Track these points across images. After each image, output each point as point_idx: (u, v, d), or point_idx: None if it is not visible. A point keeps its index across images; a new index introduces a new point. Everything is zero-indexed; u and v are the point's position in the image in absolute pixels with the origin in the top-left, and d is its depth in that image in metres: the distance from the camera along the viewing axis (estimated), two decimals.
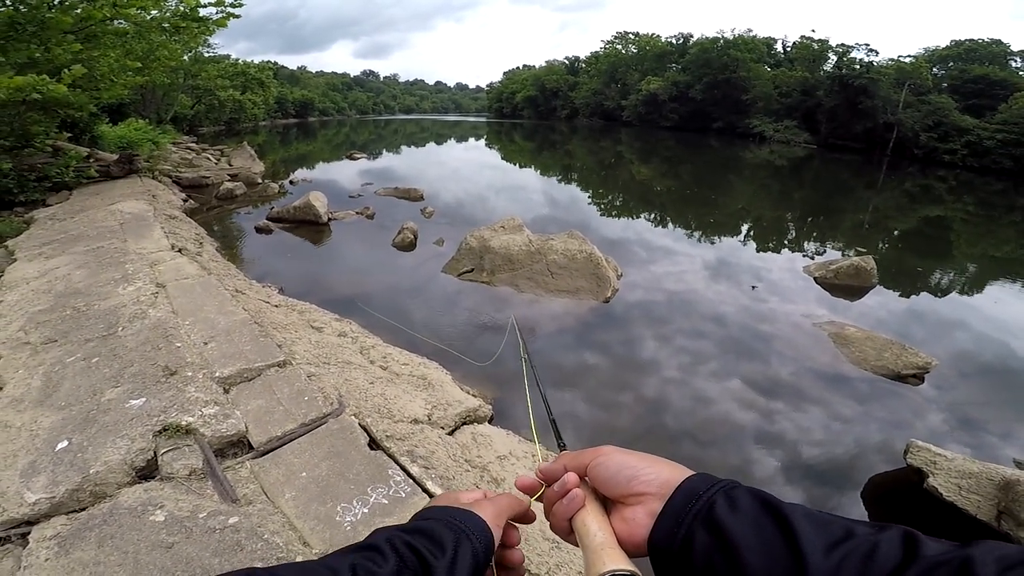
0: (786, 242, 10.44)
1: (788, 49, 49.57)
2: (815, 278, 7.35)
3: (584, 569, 0.49)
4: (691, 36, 53.56)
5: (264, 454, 2.25)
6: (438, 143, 35.34)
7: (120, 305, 3.62)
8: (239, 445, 2.32)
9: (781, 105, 42.74)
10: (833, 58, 42.12)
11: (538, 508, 0.61)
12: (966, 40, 40.93)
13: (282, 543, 1.78)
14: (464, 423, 3.06)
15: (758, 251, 9.43)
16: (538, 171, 21.25)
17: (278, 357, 2.98)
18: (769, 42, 50.05)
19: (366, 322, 4.90)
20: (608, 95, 58.73)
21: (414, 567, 0.45)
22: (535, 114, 72.75)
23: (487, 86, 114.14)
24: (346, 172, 17.47)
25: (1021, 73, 37.45)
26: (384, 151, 27.85)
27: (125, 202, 7.50)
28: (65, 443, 2.18)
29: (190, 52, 19.78)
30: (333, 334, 4.16)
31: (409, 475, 2.18)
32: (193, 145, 20.23)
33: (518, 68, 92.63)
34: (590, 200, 14.38)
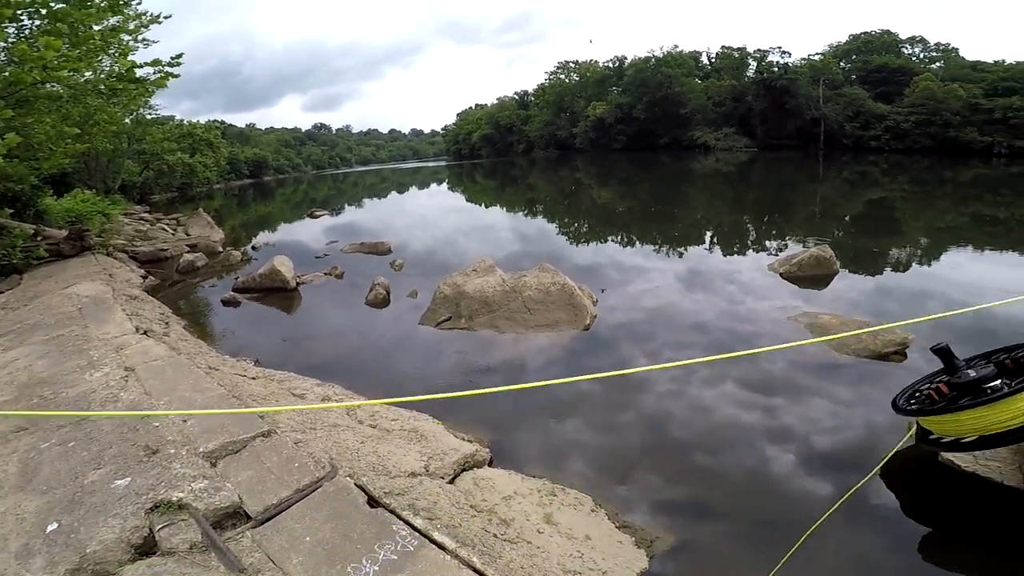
0: (749, 243, 10.84)
1: (713, 60, 52.65)
2: (780, 273, 7.61)
3: None
4: (625, 58, 56.10)
5: (263, 522, 2.18)
6: (400, 192, 35.59)
7: (89, 391, 3.50)
8: (236, 516, 2.25)
9: (717, 114, 45.19)
10: (753, 64, 45.37)
11: None
12: (861, 33, 44.80)
13: None
14: (464, 470, 3.02)
15: (724, 255, 9.75)
16: (503, 208, 21.62)
17: (262, 427, 2.91)
18: (695, 55, 53.01)
19: (350, 383, 4.80)
20: (559, 124, 60.35)
21: None
22: (493, 152, 73.35)
23: (442, 129, 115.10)
24: (309, 231, 17.30)
25: (914, 59, 40.95)
26: (346, 205, 27.85)
27: (81, 284, 7.20)
28: (55, 525, 2.13)
29: (131, 115, 19.08)
30: (316, 399, 4.09)
31: (414, 528, 2.14)
32: (146, 215, 19.54)
33: (471, 108, 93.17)
34: (558, 230, 14.62)
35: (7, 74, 6.80)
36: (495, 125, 72.83)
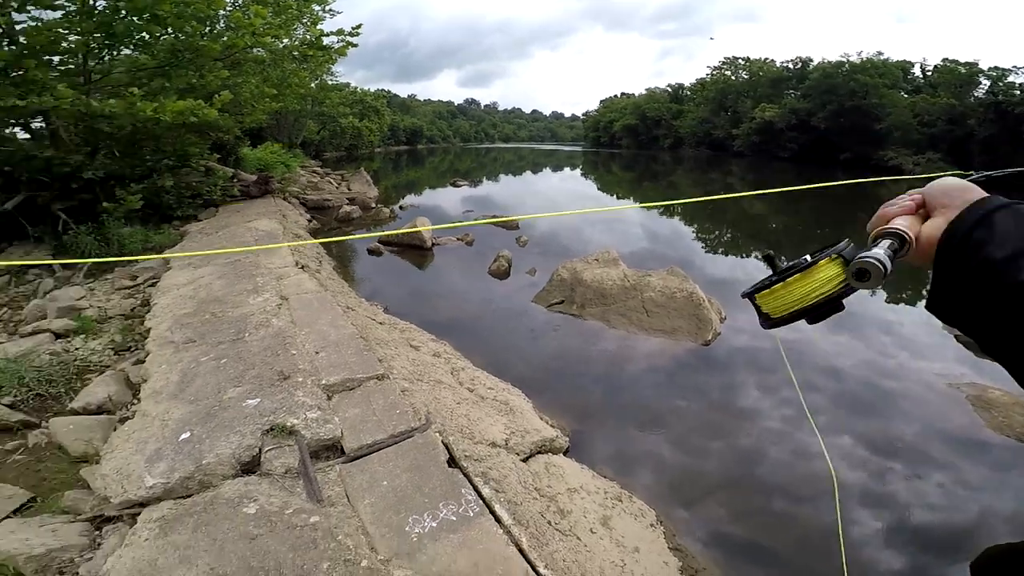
0: (924, 292, 9.19)
1: (928, 73, 44.17)
2: (956, 335, 6.36)
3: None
4: (810, 60, 49.42)
5: (353, 460, 2.39)
6: (534, 172, 36.02)
7: (249, 313, 4.09)
8: (332, 449, 2.49)
9: (922, 135, 37.98)
10: (986, 83, 36.92)
11: None
12: None
13: (352, 546, 1.87)
14: (539, 452, 3.05)
15: (887, 301, 8.41)
16: (638, 203, 20.83)
17: (378, 370, 3.18)
18: (905, 66, 44.68)
19: (459, 344, 5.07)
20: (716, 123, 55.94)
21: None
22: (635, 143, 70.82)
23: (583, 115, 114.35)
24: (450, 198, 18.42)
25: None
26: (485, 179, 28.91)
27: (260, 220, 8.42)
28: (187, 434, 2.49)
29: (317, 79, 21.11)
30: (428, 353, 4.36)
31: (480, 495, 2.21)
32: (318, 169, 21.84)
33: (616, 96, 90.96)
34: (695, 235, 13.79)
35: (225, 39, 7.70)
36: (641, 116, 69.82)
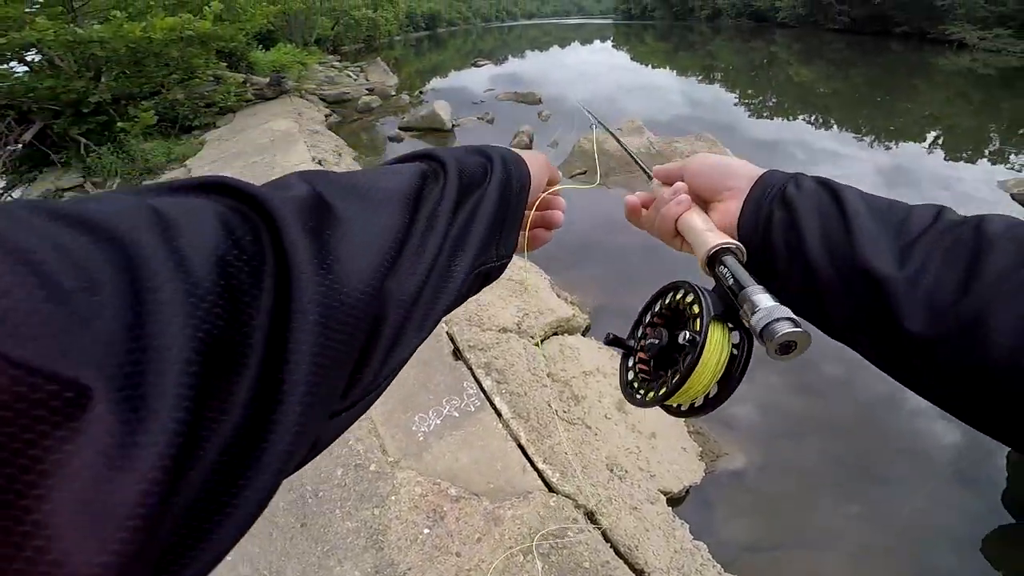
0: (985, 151, 8.37)
1: None
2: (1013, 194, 5.88)
3: (697, 256, 0.53)
4: None
5: None
6: (562, 46, 33.69)
7: None
8: None
9: (989, 13, 32.51)
10: None
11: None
12: None
13: (363, 449, 1.90)
14: (555, 333, 2.92)
15: (946, 159, 7.73)
16: (674, 71, 19.10)
17: None
18: None
19: None
20: None
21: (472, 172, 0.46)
22: (669, 14, 63.59)
23: None
24: (473, 78, 17.39)
25: None
26: (509, 56, 27.20)
27: (275, 121, 8.39)
28: None
29: None
30: None
31: (482, 388, 2.15)
32: (336, 64, 21.30)
33: None
34: (736, 101, 12.73)
35: None
36: None
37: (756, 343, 0.45)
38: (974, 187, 6.31)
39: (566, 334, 2.98)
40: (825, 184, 0.50)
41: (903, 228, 0.43)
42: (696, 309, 0.48)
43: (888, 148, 8.26)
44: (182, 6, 7.51)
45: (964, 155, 8.12)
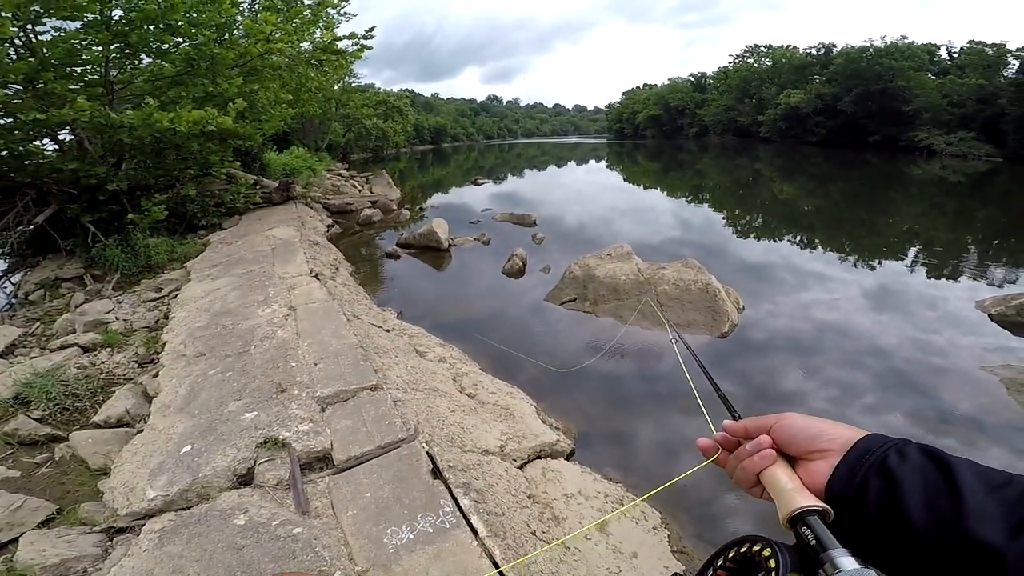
0: (962, 268, 8.72)
1: (954, 56, 42.72)
2: (990, 314, 6.06)
3: (779, 511, 0.55)
4: (834, 46, 48.77)
5: (341, 471, 2.43)
6: (559, 166, 35.84)
7: (257, 325, 4.21)
8: (324, 461, 2.54)
9: (952, 116, 36.21)
10: (1015, 63, 35.51)
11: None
12: None
13: (329, 557, 1.91)
14: (538, 457, 3.01)
15: (928, 277, 8.05)
16: (664, 192, 20.45)
17: (371, 381, 3.22)
18: (931, 49, 43.61)
19: (467, 348, 5.09)
20: (742, 111, 55.41)
21: None
22: (659, 134, 70.88)
23: (606, 107, 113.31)
24: (472, 196, 18.53)
25: None
26: (508, 175, 29.04)
27: (278, 228, 8.49)
28: (189, 447, 2.57)
29: (339, 82, 21.09)
30: (434, 359, 4.38)
31: (459, 506, 2.20)
32: (343, 172, 21.87)
33: (638, 87, 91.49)
34: (724, 222, 13.48)
35: (239, 46, 7.87)
36: (664, 106, 70.17)
37: None
38: (957, 306, 6.55)
39: (549, 458, 3.07)
40: (932, 455, 0.52)
41: (1019, 507, 0.44)
42: (773, 563, 0.52)
43: (872, 268, 8.64)
44: (209, 99, 7.62)
45: (944, 272, 8.47)
